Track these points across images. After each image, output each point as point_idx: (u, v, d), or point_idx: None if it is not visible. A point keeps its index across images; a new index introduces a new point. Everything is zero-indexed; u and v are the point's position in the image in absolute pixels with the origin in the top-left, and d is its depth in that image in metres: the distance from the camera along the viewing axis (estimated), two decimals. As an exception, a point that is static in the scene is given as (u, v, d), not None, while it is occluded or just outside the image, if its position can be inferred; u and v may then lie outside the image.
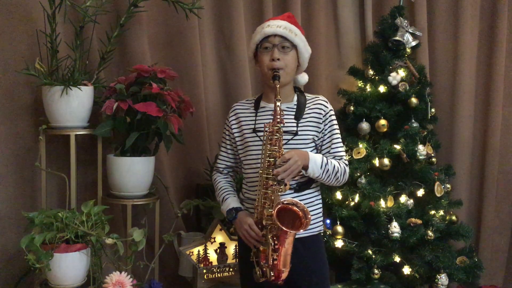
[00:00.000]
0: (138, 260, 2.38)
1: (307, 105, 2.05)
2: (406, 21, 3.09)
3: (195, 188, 2.84)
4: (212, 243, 2.53)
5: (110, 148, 2.50)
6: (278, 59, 1.96)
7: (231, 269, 2.50)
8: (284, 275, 1.87)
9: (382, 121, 2.97)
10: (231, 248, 2.55)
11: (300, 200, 1.89)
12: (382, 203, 2.85)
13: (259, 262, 1.90)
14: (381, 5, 3.35)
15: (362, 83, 3.11)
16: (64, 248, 2.03)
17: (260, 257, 1.90)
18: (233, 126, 2.10)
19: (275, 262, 1.85)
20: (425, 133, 3.08)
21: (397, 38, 3.04)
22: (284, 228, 1.80)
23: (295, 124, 2.01)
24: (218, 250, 2.54)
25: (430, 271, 2.88)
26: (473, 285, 3.08)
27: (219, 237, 2.54)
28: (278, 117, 1.89)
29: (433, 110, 3.12)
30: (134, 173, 2.34)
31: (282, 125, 1.90)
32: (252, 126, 2.04)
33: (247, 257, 1.97)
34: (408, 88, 2.99)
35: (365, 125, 2.98)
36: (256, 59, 2.09)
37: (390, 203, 2.88)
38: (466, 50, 3.37)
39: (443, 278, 2.85)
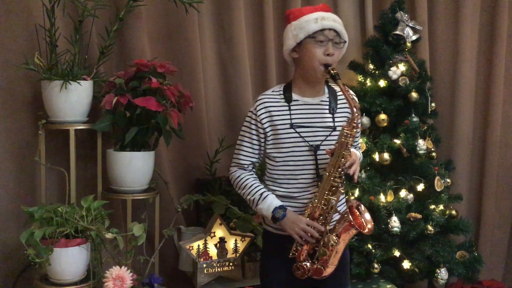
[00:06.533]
0: (138, 254, 2.38)
1: (338, 98, 2.01)
2: (406, 15, 3.08)
3: (194, 183, 2.84)
4: (212, 237, 2.53)
5: (110, 142, 2.50)
6: (333, 55, 1.89)
7: (231, 264, 2.50)
8: (329, 271, 1.90)
9: (382, 116, 2.96)
10: (231, 243, 2.55)
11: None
12: (382, 197, 2.86)
13: (302, 258, 1.90)
14: (382, -1, 3.34)
15: (362, 78, 3.11)
16: (64, 243, 2.04)
17: (302, 253, 1.90)
18: (264, 121, 1.95)
19: (333, 258, 1.88)
20: (425, 127, 3.08)
21: (397, 32, 3.03)
22: (356, 226, 1.85)
23: (331, 119, 1.97)
24: (218, 245, 2.54)
25: (430, 266, 2.88)
26: (473, 279, 3.08)
27: (219, 231, 2.54)
28: (355, 121, 1.86)
29: (433, 104, 3.12)
30: (133, 168, 2.34)
31: (359, 130, 1.91)
32: (288, 122, 1.93)
33: (278, 252, 1.96)
34: (408, 82, 2.98)
35: (365, 120, 2.98)
36: (295, 49, 1.94)
37: (390, 198, 2.88)
38: (467, 45, 3.35)
39: (442, 273, 2.86)
